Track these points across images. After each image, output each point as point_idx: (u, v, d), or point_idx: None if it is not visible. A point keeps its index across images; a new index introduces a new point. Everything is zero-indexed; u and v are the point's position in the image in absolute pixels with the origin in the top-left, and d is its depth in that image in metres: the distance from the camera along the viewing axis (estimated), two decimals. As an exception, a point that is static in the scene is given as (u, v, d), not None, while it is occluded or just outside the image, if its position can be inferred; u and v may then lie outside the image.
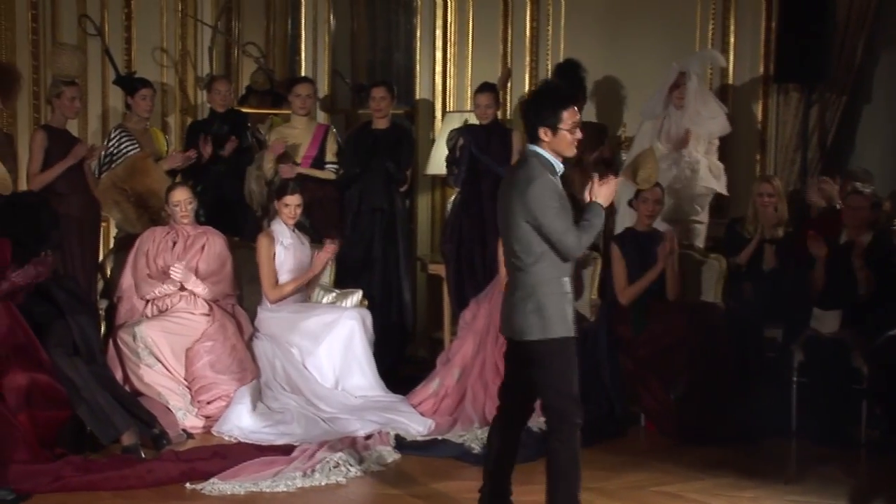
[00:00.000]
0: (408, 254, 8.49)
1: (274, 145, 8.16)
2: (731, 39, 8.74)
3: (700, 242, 8.06)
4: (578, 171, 8.33)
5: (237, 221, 8.29)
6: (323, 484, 6.03)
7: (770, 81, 8.71)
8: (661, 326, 7.19)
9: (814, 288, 7.26)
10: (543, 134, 4.96)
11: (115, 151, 8.06)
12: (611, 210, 8.32)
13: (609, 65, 8.81)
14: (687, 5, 8.77)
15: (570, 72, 8.33)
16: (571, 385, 4.96)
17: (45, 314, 6.49)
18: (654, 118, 8.26)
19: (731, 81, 8.78)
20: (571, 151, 5.01)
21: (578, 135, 4.97)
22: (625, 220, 7.92)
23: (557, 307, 4.93)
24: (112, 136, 8.17)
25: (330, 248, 7.55)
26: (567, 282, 4.99)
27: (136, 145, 8.08)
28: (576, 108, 4.99)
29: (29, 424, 6.00)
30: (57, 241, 6.86)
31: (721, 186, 8.16)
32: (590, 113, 8.68)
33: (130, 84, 8.35)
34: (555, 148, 4.98)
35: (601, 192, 5.01)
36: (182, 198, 7.42)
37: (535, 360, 4.96)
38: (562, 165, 5.02)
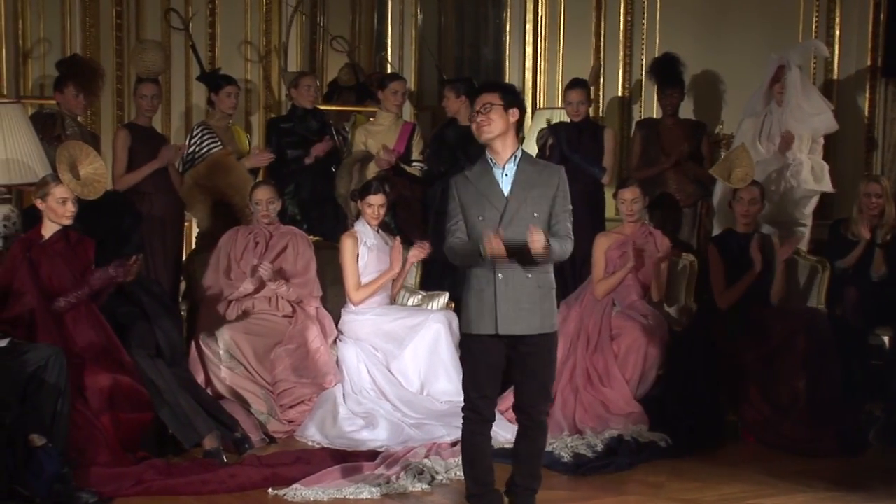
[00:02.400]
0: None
1: (382, 160, 8.16)
2: (837, 32, 8.63)
3: (803, 245, 7.95)
4: (673, 168, 8.28)
5: (329, 220, 8.35)
6: (408, 491, 6.04)
7: (878, 75, 8.59)
8: (762, 332, 7.10)
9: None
10: None
11: (197, 149, 8.14)
12: (708, 210, 8.28)
13: (707, 59, 8.73)
14: (789, -5, 8.67)
15: (667, 66, 8.29)
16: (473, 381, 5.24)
17: (128, 315, 6.59)
18: (755, 116, 8.15)
19: (835, 76, 8.65)
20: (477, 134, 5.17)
21: (478, 119, 5.12)
22: (723, 221, 7.84)
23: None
24: (194, 133, 8.25)
25: (418, 251, 7.56)
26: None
27: (219, 143, 8.15)
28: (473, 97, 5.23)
29: (111, 427, 6.09)
30: (138, 242, 6.96)
31: (824, 185, 8.04)
32: (687, 109, 8.61)
33: (215, 81, 8.44)
34: None
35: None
36: (263, 196, 7.48)
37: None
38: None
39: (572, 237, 5.26)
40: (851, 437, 6.89)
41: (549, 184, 5.19)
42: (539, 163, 5.40)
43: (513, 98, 5.18)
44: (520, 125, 5.23)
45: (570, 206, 5.29)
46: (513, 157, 5.15)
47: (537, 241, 4.96)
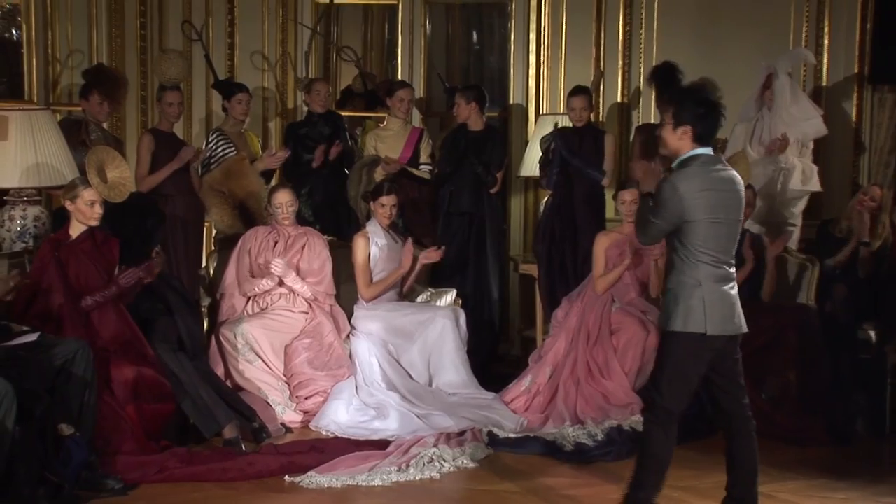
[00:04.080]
0: (497, 254, 8.48)
1: (387, 167, 8.16)
2: (826, 41, 8.61)
3: (793, 244, 7.95)
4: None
5: (342, 222, 8.36)
6: (417, 479, 6.06)
7: (865, 83, 8.57)
8: (753, 327, 7.07)
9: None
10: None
11: (212, 154, 8.17)
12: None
13: (703, 68, 8.70)
14: (781, 7, 8.65)
15: (666, 74, 8.28)
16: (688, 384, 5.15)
17: (152, 310, 6.62)
18: (748, 121, 8.16)
19: (824, 83, 8.64)
20: None
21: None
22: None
23: None
24: (210, 139, 8.27)
25: (432, 254, 7.58)
26: None
27: (233, 148, 8.17)
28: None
29: (136, 417, 6.13)
30: (160, 242, 6.98)
31: (813, 185, 8.03)
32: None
33: (227, 88, 8.47)
34: None
35: None
36: (284, 200, 7.49)
37: None
38: None
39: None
40: (840, 427, 6.90)
41: None
42: None
43: (680, 109, 5.02)
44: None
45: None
46: None
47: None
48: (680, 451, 5.77)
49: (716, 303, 5.03)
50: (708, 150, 5.03)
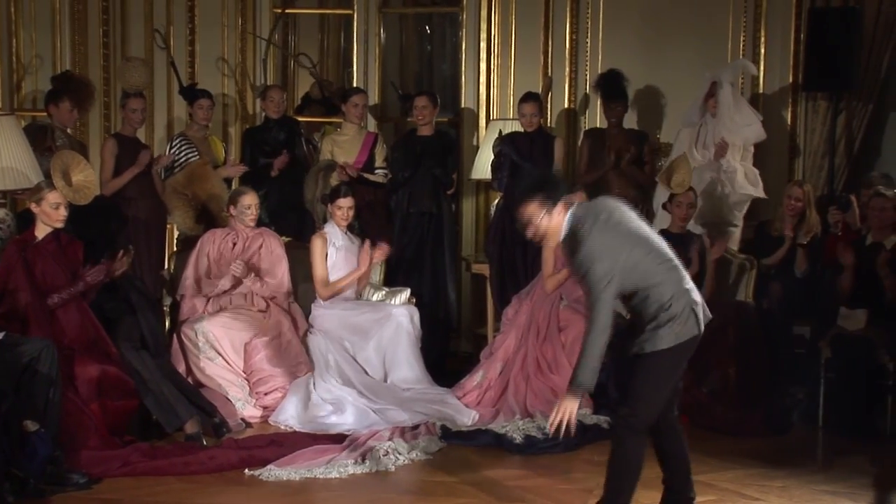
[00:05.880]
0: (453, 254, 8.52)
1: (343, 171, 8.16)
2: (762, 50, 8.70)
3: (734, 245, 8.02)
4: (616, 173, 8.33)
5: (298, 224, 8.36)
6: (373, 471, 6.07)
7: (799, 90, 8.67)
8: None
9: (842, 292, 7.22)
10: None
11: (175, 159, 8.14)
12: (648, 212, 8.34)
13: (646, 74, 8.79)
14: (719, 18, 8.73)
15: (612, 81, 8.34)
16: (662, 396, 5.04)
17: (115, 310, 6.60)
18: (692, 126, 8.24)
19: (761, 90, 8.74)
20: None
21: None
22: (660, 222, 7.90)
23: None
24: (174, 143, 8.25)
25: (380, 251, 7.60)
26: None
27: (196, 153, 8.16)
28: None
29: (100, 413, 6.10)
30: (123, 243, 6.95)
31: (759, 191, 8.12)
32: (631, 120, 8.67)
33: (191, 94, 8.45)
34: None
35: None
36: (252, 202, 7.51)
37: None
38: None
39: (599, 309, 4.76)
40: (777, 419, 6.99)
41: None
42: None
43: (556, 196, 4.88)
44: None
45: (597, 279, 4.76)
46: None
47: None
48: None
49: (697, 299, 4.95)
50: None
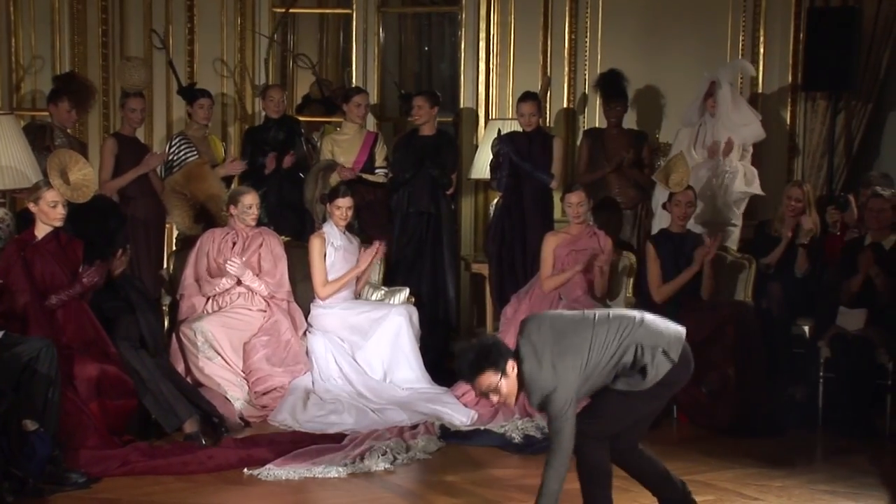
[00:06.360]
0: (453, 254, 8.51)
1: (343, 172, 8.15)
2: (761, 50, 8.71)
3: (733, 244, 8.02)
4: (615, 174, 8.33)
5: (297, 223, 8.35)
6: (372, 470, 6.07)
7: (798, 90, 8.67)
8: (694, 323, 7.13)
9: (848, 294, 7.19)
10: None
11: (174, 158, 8.14)
12: (648, 212, 8.35)
13: (645, 74, 8.79)
14: (719, 18, 8.73)
15: (612, 81, 8.34)
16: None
17: (114, 309, 6.59)
18: (691, 126, 8.23)
19: (760, 90, 8.74)
20: None
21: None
22: (660, 222, 7.90)
23: None
24: (173, 143, 8.25)
25: (377, 249, 7.59)
26: None
27: (195, 152, 8.15)
28: None
29: (99, 413, 6.10)
30: (123, 242, 6.95)
31: (755, 188, 8.11)
32: (630, 120, 8.68)
33: (190, 94, 8.45)
34: None
35: None
36: (253, 201, 7.50)
37: None
38: None
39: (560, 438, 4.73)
40: (775, 419, 6.97)
41: None
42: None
43: (503, 358, 4.76)
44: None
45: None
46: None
47: None
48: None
49: (671, 341, 4.91)
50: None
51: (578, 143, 8.74)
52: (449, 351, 8.65)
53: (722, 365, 7.04)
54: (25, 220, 6.69)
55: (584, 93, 8.96)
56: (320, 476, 5.95)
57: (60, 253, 6.34)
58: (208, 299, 7.43)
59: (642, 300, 7.50)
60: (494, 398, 4.86)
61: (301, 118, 9.23)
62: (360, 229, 7.96)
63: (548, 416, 4.78)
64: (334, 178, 8.12)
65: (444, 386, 7.38)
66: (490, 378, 4.77)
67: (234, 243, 7.53)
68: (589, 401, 4.98)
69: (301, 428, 6.80)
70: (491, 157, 8.25)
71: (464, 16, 9.13)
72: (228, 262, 7.34)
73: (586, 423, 4.85)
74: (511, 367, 4.78)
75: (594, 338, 4.80)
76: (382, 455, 6.20)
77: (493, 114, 9.05)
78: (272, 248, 7.58)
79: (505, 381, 4.78)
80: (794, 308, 7.48)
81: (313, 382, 7.21)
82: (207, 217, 7.96)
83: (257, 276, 7.44)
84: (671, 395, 5.07)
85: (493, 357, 4.78)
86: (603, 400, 4.91)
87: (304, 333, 7.48)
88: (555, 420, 4.72)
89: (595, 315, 4.91)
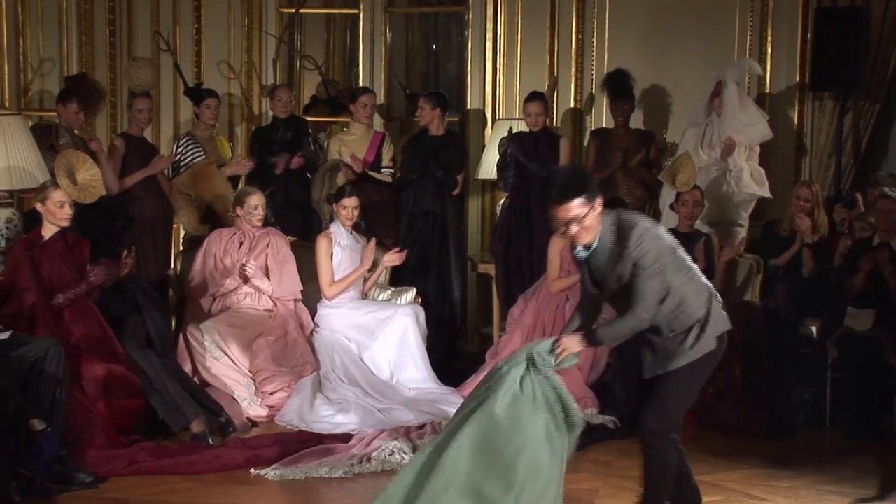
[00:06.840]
0: (459, 254, 8.51)
1: (354, 161, 8.16)
2: (769, 49, 8.69)
3: (740, 245, 8.01)
4: (623, 174, 8.32)
5: (303, 224, 8.36)
6: (379, 470, 6.06)
7: (806, 90, 8.66)
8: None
9: (851, 291, 7.18)
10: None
11: (181, 158, 8.15)
12: (656, 212, 8.33)
13: (652, 74, 8.78)
14: (725, 17, 8.72)
15: (619, 80, 8.33)
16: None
17: (121, 309, 6.59)
18: (698, 126, 8.22)
19: (768, 90, 8.73)
20: None
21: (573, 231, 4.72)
22: (668, 221, 7.89)
23: None
24: (180, 143, 8.26)
25: (393, 257, 7.57)
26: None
27: (202, 152, 8.16)
28: None
29: (106, 412, 6.10)
30: (130, 242, 6.96)
31: (764, 191, 8.10)
32: (637, 120, 8.67)
33: (197, 94, 8.46)
34: None
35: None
36: (259, 202, 7.50)
37: None
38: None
39: (644, 300, 4.69)
40: (783, 419, 6.96)
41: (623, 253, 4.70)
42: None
43: (593, 191, 4.66)
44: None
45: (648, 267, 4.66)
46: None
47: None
48: (631, 444, 5.81)
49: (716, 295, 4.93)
50: None
51: (585, 143, 8.73)
52: (455, 351, 8.68)
53: (729, 365, 7.01)
54: (33, 220, 6.70)
55: (591, 93, 8.95)
56: (327, 476, 5.95)
57: (67, 253, 6.35)
58: (215, 299, 7.44)
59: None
60: (574, 229, 4.68)
61: (308, 118, 9.24)
62: (368, 229, 7.96)
63: (632, 274, 4.66)
64: (341, 178, 8.12)
65: (450, 386, 7.37)
66: (580, 207, 4.62)
67: (241, 244, 7.53)
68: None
69: (308, 428, 6.79)
70: (498, 157, 8.25)
71: (470, 16, 9.13)
72: (247, 264, 7.35)
73: (655, 422, 4.81)
74: (599, 202, 4.68)
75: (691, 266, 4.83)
76: (389, 455, 6.19)
77: (500, 114, 9.05)
78: (279, 248, 7.58)
79: (592, 215, 4.66)
80: (802, 308, 7.46)
81: (320, 382, 7.21)
82: (214, 217, 7.97)
83: (265, 276, 7.44)
84: (709, 375, 5.02)
85: (591, 186, 4.67)
86: (663, 390, 4.83)
87: (311, 333, 7.48)
88: (639, 278, 4.62)
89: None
